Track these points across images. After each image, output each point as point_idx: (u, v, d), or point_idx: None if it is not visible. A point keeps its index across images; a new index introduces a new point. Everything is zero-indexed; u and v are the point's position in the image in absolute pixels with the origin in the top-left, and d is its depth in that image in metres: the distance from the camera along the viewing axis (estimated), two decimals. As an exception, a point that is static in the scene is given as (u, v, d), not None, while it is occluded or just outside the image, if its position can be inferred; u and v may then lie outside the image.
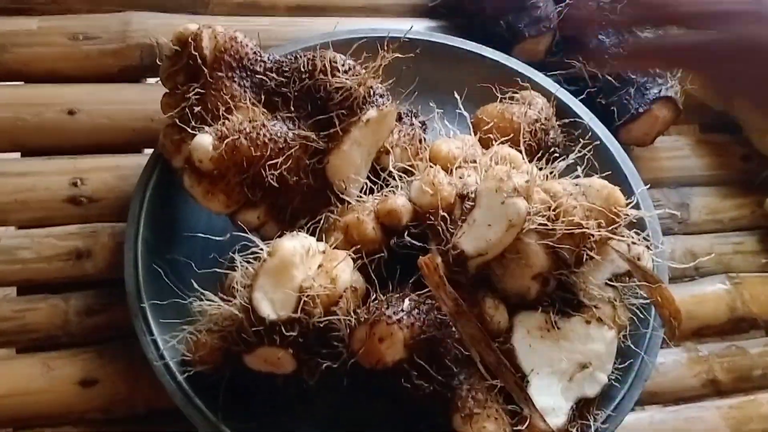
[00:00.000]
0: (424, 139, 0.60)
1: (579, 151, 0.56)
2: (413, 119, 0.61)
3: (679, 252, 0.72)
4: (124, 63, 0.68)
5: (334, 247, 0.51)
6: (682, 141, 0.78)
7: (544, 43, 0.73)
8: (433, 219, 0.51)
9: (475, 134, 0.61)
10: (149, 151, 0.63)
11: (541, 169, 0.54)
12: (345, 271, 0.49)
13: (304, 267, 0.48)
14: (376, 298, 0.49)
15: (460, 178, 0.53)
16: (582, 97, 0.69)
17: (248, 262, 0.50)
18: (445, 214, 0.51)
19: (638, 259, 0.53)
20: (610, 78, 0.70)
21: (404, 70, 0.61)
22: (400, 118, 0.60)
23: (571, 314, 0.52)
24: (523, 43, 0.72)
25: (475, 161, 0.55)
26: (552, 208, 0.50)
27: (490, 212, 0.49)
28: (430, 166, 0.53)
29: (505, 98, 0.64)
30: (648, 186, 0.65)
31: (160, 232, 0.58)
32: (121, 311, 0.57)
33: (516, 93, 0.65)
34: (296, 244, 0.48)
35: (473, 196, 0.51)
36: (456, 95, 0.61)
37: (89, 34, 0.68)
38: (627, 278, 0.54)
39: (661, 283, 0.54)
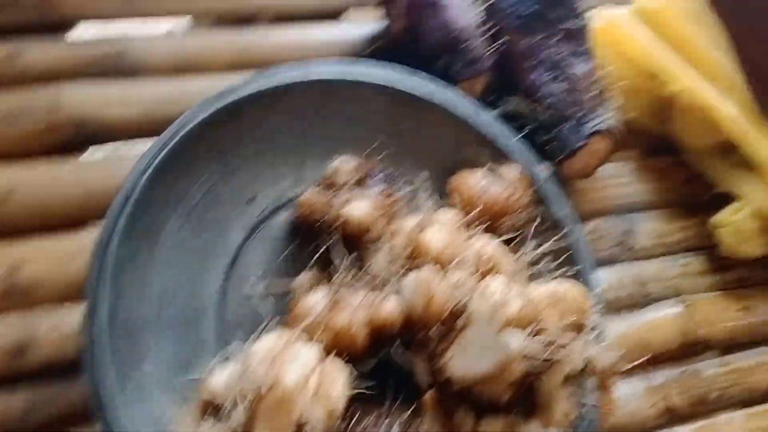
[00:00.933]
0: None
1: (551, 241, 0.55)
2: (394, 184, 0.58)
3: (628, 280, 0.73)
4: (59, 139, 0.67)
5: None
6: (624, 168, 0.79)
7: (480, 84, 0.73)
8: (423, 331, 0.49)
9: (453, 203, 0.59)
10: (90, 228, 0.63)
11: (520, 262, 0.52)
12: (337, 390, 0.46)
13: (303, 396, 0.45)
14: (359, 421, 0.47)
15: (455, 285, 0.50)
16: (524, 133, 0.69)
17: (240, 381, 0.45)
18: (436, 327, 0.49)
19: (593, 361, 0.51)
20: (547, 114, 0.71)
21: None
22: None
23: (529, 416, 0.50)
24: (459, 85, 0.73)
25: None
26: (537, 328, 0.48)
27: (483, 339, 0.47)
28: (427, 264, 0.51)
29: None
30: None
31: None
32: (74, 400, 0.56)
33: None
34: (297, 377, 0.45)
35: (465, 312, 0.48)
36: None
37: (19, 112, 0.66)
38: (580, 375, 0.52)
39: (612, 390, 0.53)
